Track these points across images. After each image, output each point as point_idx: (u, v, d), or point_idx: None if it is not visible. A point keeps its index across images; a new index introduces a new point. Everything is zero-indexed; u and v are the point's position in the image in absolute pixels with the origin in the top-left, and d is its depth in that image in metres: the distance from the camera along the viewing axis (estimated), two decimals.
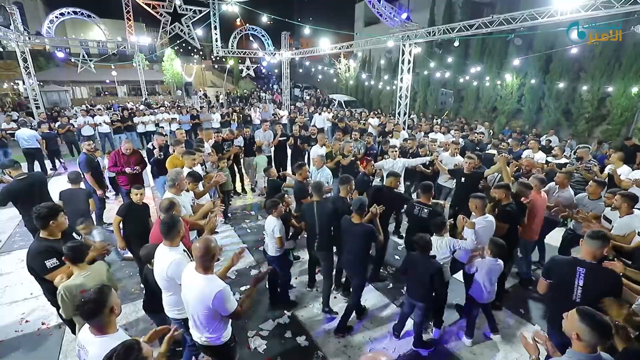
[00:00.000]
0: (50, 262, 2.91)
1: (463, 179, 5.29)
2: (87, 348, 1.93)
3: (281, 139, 8.04)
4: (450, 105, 12.22)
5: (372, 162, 6.02)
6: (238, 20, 14.91)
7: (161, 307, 2.93)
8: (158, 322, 3.20)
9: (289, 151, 8.51)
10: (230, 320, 2.62)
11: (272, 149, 8.28)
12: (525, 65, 13.66)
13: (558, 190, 4.77)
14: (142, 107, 17.74)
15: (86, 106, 18.14)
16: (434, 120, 13.72)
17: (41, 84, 25.20)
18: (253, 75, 22.96)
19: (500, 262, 3.55)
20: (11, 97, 25.41)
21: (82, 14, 16.29)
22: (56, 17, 15.18)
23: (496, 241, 3.55)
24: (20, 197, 4.54)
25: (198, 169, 5.35)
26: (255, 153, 7.86)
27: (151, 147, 6.36)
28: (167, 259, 2.68)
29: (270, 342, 3.79)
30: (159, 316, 3.10)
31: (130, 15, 16.53)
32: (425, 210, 4.05)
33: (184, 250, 2.89)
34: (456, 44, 9.27)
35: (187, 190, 4.30)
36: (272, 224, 3.90)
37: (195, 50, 44.29)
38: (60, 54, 15.60)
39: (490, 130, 12.80)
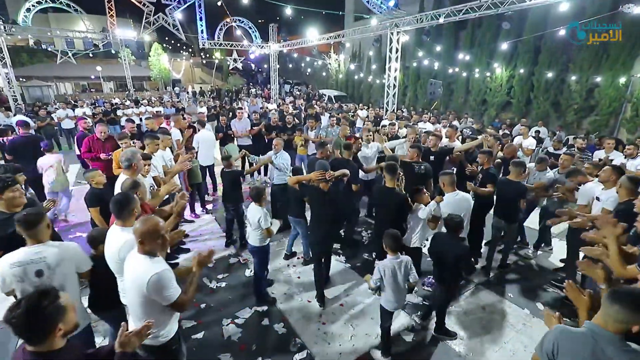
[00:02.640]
0: None
1: (432, 157, 5.25)
2: (42, 255, 2.27)
3: (258, 128, 7.80)
4: (440, 96, 12.10)
5: (360, 140, 5.79)
6: (223, 6, 14.48)
7: (112, 304, 2.60)
8: (111, 321, 2.79)
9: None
10: (174, 317, 2.23)
11: (250, 138, 7.94)
12: (515, 56, 13.66)
13: (538, 173, 4.83)
14: (127, 102, 17.36)
15: (67, 99, 17.64)
16: (424, 114, 13.63)
17: (24, 79, 24.57)
18: (240, 67, 22.57)
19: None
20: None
21: (61, 2, 15.72)
22: (33, 5, 14.61)
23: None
24: (18, 151, 5.87)
25: (167, 153, 5.05)
26: (227, 142, 7.61)
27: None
28: (119, 240, 2.38)
29: (246, 330, 3.57)
30: (110, 314, 2.70)
31: (111, 5, 16.04)
32: (422, 167, 4.62)
33: None
34: (441, 20, 8.94)
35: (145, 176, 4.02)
36: (257, 214, 3.60)
37: (184, 47, 43.79)
38: (36, 44, 14.91)
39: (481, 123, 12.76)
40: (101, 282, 2.62)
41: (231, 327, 3.59)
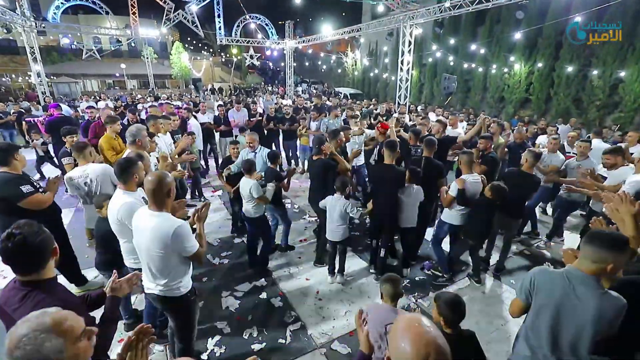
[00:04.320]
0: (25, 188, 2.95)
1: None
2: (86, 172, 3.48)
3: (257, 119, 7.90)
4: (454, 90, 11.89)
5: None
6: (239, 3, 14.76)
7: (112, 263, 2.76)
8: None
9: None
10: (190, 270, 2.36)
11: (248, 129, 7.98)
12: (535, 52, 13.29)
13: (548, 156, 4.73)
14: (148, 98, 18.02)
15: (94, 95, 18.57)
16: (436, 108, 13.46)
17: (54, 77, 25.92)
18: (257, 64, 22.88)
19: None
20: (24, 90, 26.20)
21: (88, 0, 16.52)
22: (62, 2, 15.44)
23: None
24: (54, 129, 6.39)
25: (168, 137, 5.16)
26: (232, 133, 7.64)
27: (125, 123, 6.34)
28: (119, 202, 2.52)
29: (244, 302, 3.68)
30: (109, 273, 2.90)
31: (134, 3, 16.67)
32: (420, 150, 4.61)
33: (143, 198, 2.70)
34: (447, 4, 8.75)
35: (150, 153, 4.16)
36: (247, 186, 3.78)
37: (205, 47, 44.85)
38: (65, 40, 15.79)
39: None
40: (104, 243, 2.79)
41: (230, 299, 3.71)
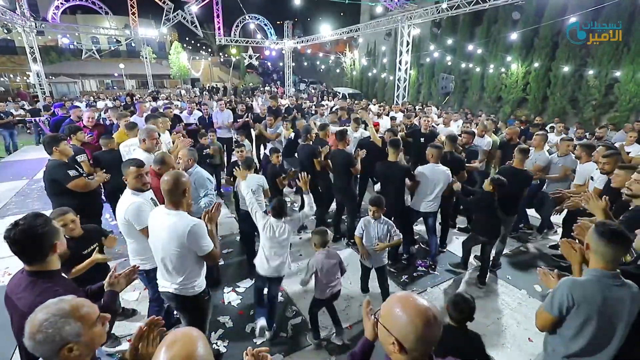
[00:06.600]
0: (72, 172, 3.42)
1: (422, 139, 5.50)
2: (133, 143, 4.10)
3: (244, 120, 7.61)
4: (451, 90, 12.00)
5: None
6: (239, 3, 14.81)
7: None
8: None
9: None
10: (204, 270, 2.38)
11: (232, 130, 7.60)
12: (531, 52, 13.42)
13: (534, 153, 4.81)
14: (148, 98, 18.07)
15: (94, 95, 18.63)
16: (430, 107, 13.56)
17: (52, 77, 25.91)
18: (256, 64, 22.93)
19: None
20: (24, 90, 26.20)
21: (87, 0, 16.54)
22: (61, 3, 15.48)
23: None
24: (59, 128, 6.27)
25: (167, 135, 5.18)
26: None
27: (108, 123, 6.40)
28: (127, 202, 2.53)
29: (245, 297, 3.76)
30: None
31: (133, 3, 16.68)
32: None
33: (152, 199, 2.75)
34: (444, 6, 8.91)
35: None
36: (254, 180, 3.80)
37: (204, 47, 44.86)
38: (65, 40, 15.82)
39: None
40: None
41: (232, 295, 3.78)
